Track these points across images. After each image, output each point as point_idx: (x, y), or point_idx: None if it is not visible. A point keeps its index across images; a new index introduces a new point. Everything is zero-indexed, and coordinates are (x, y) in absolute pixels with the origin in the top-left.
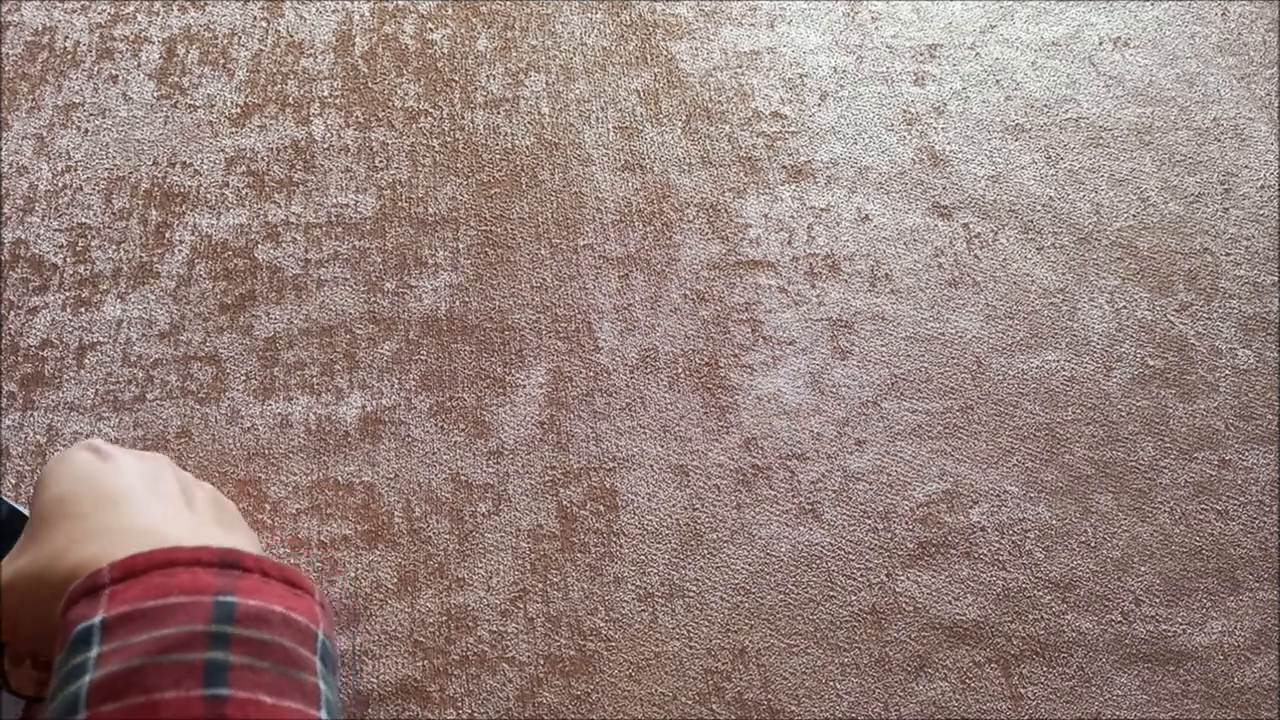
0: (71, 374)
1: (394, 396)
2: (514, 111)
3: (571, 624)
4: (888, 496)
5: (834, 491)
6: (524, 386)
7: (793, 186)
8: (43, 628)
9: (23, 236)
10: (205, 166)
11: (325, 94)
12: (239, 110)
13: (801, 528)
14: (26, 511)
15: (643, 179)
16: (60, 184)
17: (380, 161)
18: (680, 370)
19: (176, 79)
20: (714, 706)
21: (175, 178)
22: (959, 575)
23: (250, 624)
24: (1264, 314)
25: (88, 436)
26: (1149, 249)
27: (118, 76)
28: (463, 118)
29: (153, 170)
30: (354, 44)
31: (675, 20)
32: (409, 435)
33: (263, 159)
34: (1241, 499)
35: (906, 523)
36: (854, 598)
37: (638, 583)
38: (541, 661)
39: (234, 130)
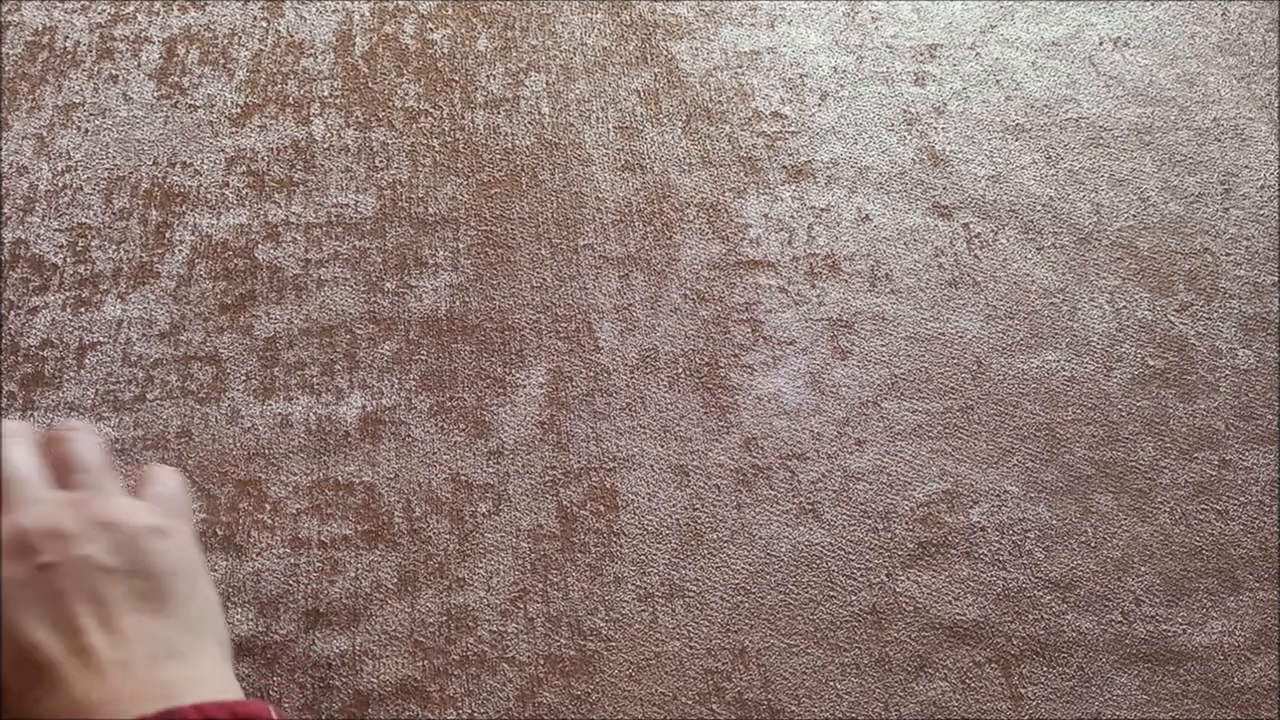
0: (71, 374)
1: (394, 396)
2: (514, 111)
3: (571, 624)
4: (888, 496)
5: (834, 491)
6: (524, 386)
7: (793, 186)
8: None
9: (23, 236)
10: (205, 166)
11: (325, 94)
12: (239, 110)
13: (802, 528)
14: None
15: (643, 179)
16: (60, 184)
17: (380, 161)
18: (680, 370)
19: (176, 79)
20: (714, 706)
21: (175, 178)
22: (959, 575)
23: None
24: (1264, 314)
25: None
26: (1149, 249)
27: (118, 76)
28: (463, 118)
29: (153, 170)
30: (354, 44)
31: (675, 20)
32: (409, 435)
33: (263, 159)
34: (1241, 499)
35: (907, 523)
36: (854, 598)
37: (638, 583)
38: (541, 661)
39: (234, 130)
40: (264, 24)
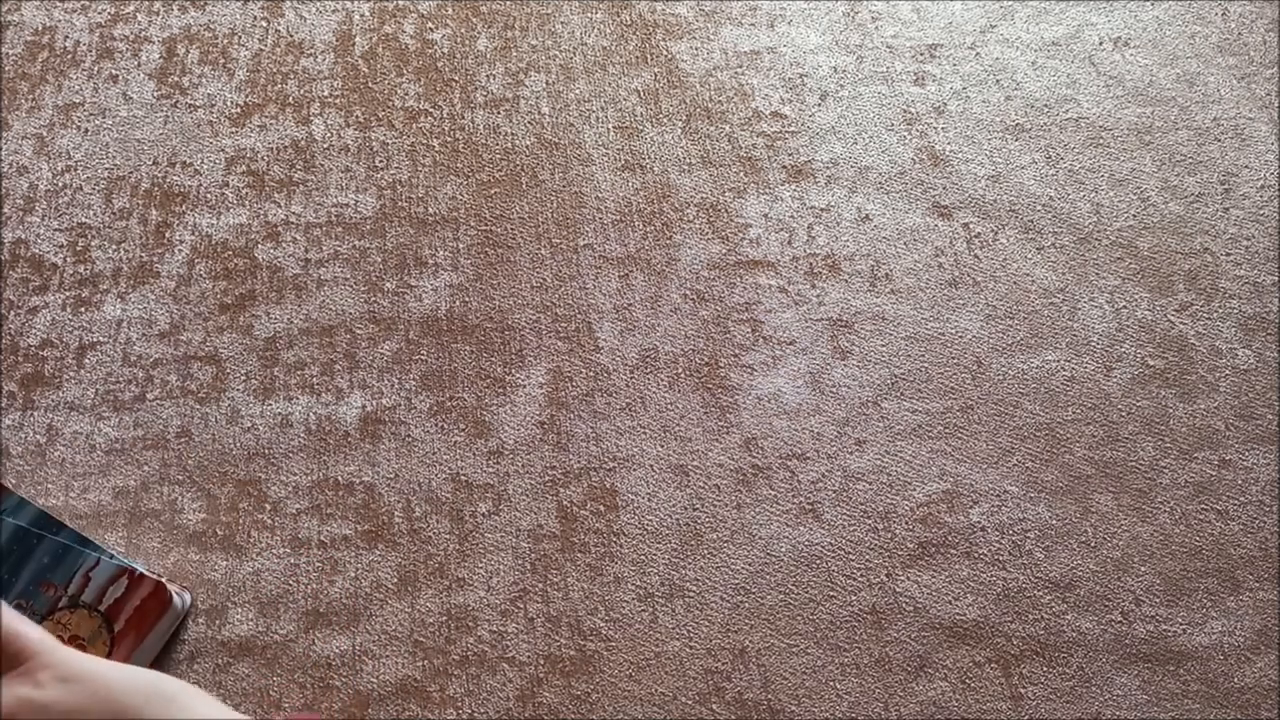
0: (71, 374)
1: (394, 396)
2: (514, 111)
3: (571, 624)
4: (888, 496)
5: (834, 491)
6: (524, 386)
7: (793, 186)
8: None
9: (23, 236)
10: (205, 166)
11: (325, 94)
12: (239, 110)
13: (802, 528)
14: (34, 530)
15: (643, 179)
16: (60, 184)
17: (380, 161)
18: (680, 370)
19: (176, 79)
20: (714, 706)
21: (175, 177)
22: (959, 575)
23: None
24: (1264, 314)
25: (88, 436)
26: (1149, 249)
27: (118, 76)
28: (463, 118)
29: (153, 170)
30: (354, 44)
31: (675, 20)
32: (409, 435)
33: (263, 159)
34: (1241, 499)
35: (906, 523)
36: (854, 598)
37: (638, 583)
38: (541, 661)
39: (234, 130)
40: (264, 24)
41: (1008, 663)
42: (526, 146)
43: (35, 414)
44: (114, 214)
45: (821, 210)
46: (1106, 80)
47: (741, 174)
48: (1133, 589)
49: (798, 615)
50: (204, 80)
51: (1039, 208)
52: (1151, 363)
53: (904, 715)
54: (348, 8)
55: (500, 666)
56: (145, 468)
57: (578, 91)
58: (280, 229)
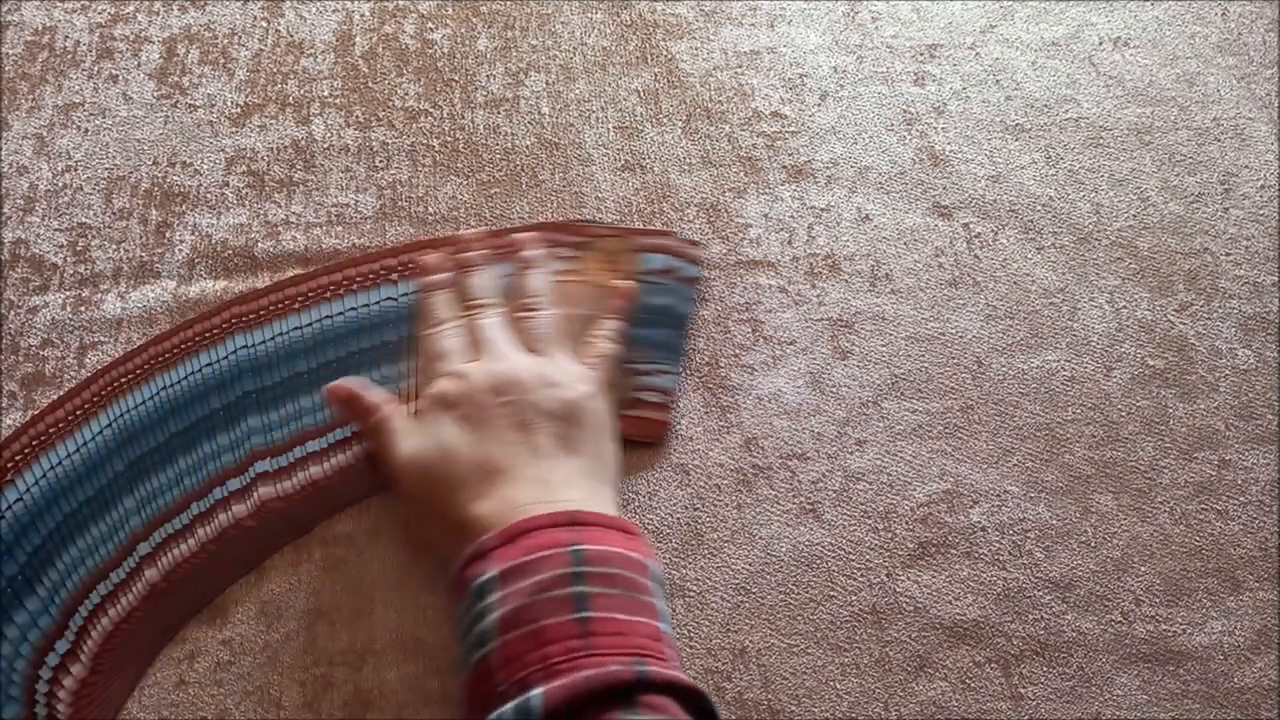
0: (72, 374)
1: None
2: (514, 111)
3: None
4: (888, 496)
5: (834, 491)
6: None
7: (793, 186)
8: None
9: (23, 236)
10: (205, 166)
11: (325, 94)
12: (239, 110)
13: (802, 528)
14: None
15: (643, 179)
16: (60, 184)
17: (380, 161)
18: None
19: (176, 79)
20: None
21: (175, 177)
22: (959, 575)
23: (599, 563)
24: (1264, 314)
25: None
26: (1149, 249)
27: (118, 76)
28: (463, 118)
29: (153, 170)
30: (354, 44)
31: (675, 20)
32: None
33: (263, 159)
34: (1241, 499)
35: (907, 523)
36: (854, 598)
37: None
38: None
39: (234, 130)
40: (264, 24)
41: (1008, 663)
42: (526, 146)
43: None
44: (114, 214)
45: (821, 210)
46: (1106, 80)
47: (741, 174)
48: (1133, 589)
49: (798, 615)
50: (204, 80)
51: (1039, 208)
52: (1151, 363)
53: (904, 715)
54: (348, 8)
55: None
56: None
57: (578, 91)
58: (280, 229)
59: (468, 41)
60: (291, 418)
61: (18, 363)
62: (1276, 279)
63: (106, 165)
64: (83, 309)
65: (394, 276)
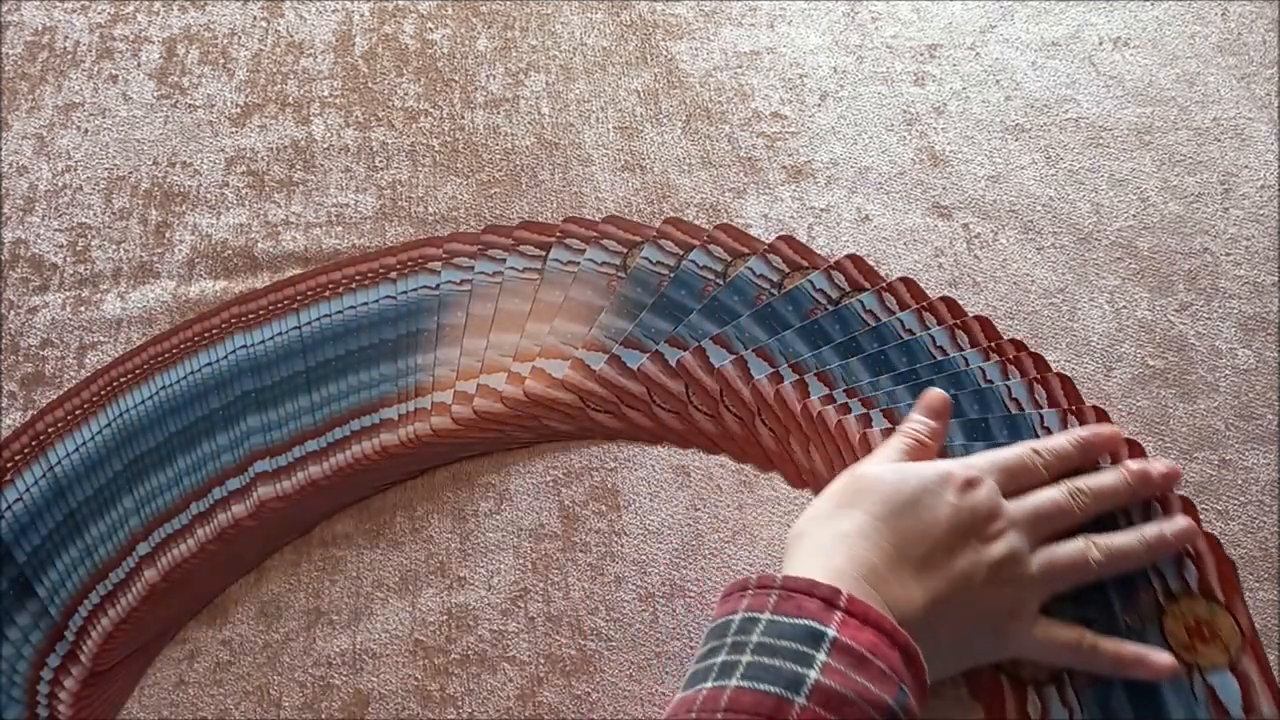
0: (72, 374)
1: None
2: (514, 111)
3: (572, 623)
4: None
5: None
6: None
7: (793, 186)
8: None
9: (23, 236)
10: (205, 166)
11: (325, 94)
12: (239, 110)
13: None
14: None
15: (643, 179)
16: (60, 184)
17: (380, 161)
18: None
19: (176, 79)
20: None
21: (175, 177)
22: None
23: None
24: (1264, 314)
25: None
26: (1149, 249)
27: (118, 76)
28: (463, 118)
29: (153, 170)
30: (354, 44)
31: (675, 20)
32: None
33: (263, 159)
34: (1241, 499)
35: None
36: None
37: (639, 582)
38: (542, 661)
39: (234, 130)
40: (264, 24)
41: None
42: (526, 146)
43: (32, 411)
44: (114, 214)
45: (822, 210)
46: (1106, 80)
47: (741, 174)
48: None
49: None
50: (204, 80)
51: (1039, 208)
52: (1151, 363)
53: None
54: (348, 8)
55: (501, 666)
56: None
57: (577, 91)
58: (280, 229)
59: (468, 41)
60: (290, 417)
61: (18, 363)
62: (1276, 279)
63: (106, 165)
64: (83, 309)
65: (393, 275)
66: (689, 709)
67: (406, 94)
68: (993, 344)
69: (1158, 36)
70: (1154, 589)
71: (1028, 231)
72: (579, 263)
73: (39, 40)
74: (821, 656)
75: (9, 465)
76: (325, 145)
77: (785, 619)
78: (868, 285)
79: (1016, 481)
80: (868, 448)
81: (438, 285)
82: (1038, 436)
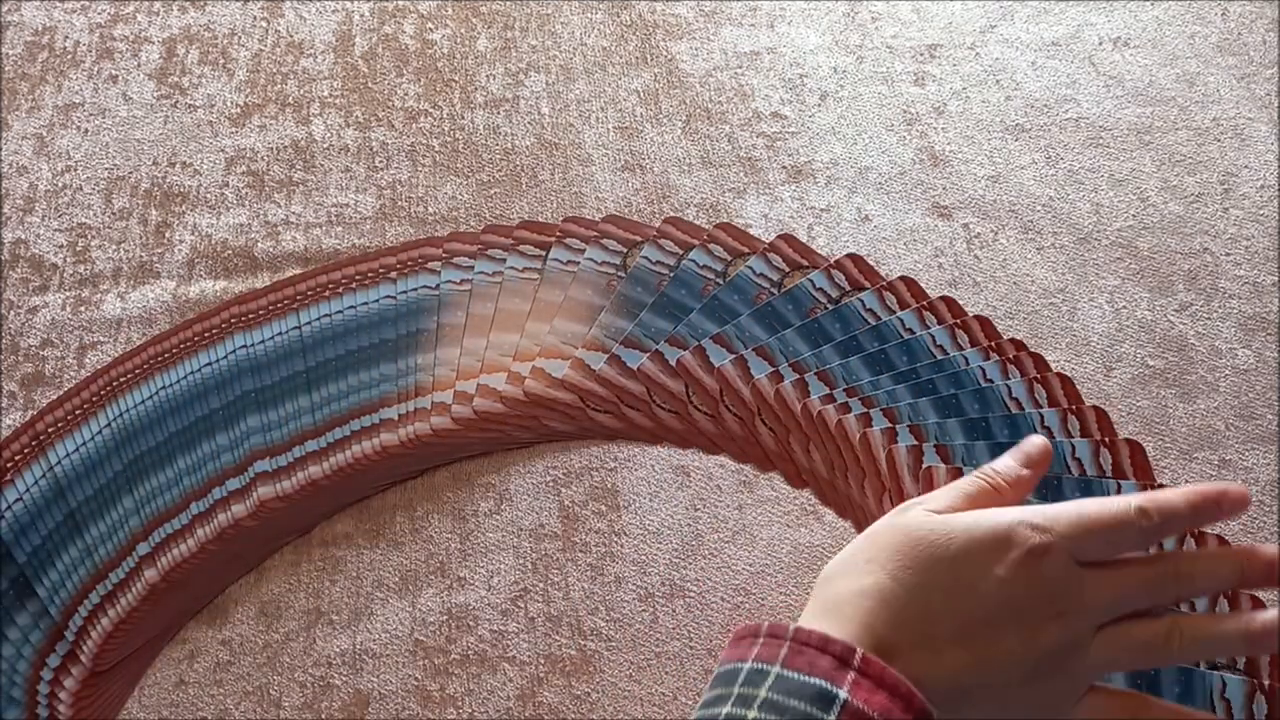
0: (72, 374)
1: None
2: (514, 111)
3: (572, 624)
4: None
5: None
6: None
7: (793, 186)
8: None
9: (23, 236)
10: (205, 166)
11: (325, 94)
12: (239, 110)
13: (803, 529)
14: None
15: (643, 179)
16: (60, 184)
17: (380, 161)
18: None
19: (176, 79)
20: None
21: (175, 177)
22: None
23: None
24: (1264, 314)
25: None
26: (1149, 249)
27: (118, 76)
28: (463, 118)
29: (153, 170)
30: (354, 44)
31: (675, 20)
32: None
33: (263, 159)
34: None
35: None
36: None
37: (639, 583)
38: (542, 661)
39: (234, 130)
40: (264, 24)
41: None
42: (526, 146)
43: (31, 411)
44: (114, 214)
45: (822, 210)
46: (1106, 80)
47: (741, 174)
48: None
49: (799, 616)
50: (204, 80)
51: (1039, 208)
52: (1151, 363)
53: None
54: (348, 8)
55: (501, 666)
56: None
57: (578, 92)
58: (280, 228)
59: (468, 41)
60: (290, 417)
61: (18, 363)
62: (1276, 279)
63: (106, 165)
64: (83, 309)
65: (393, 275)
66: None
67: (406, 94)
68: (993, 343)
69: (1158, 36)
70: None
71: (1028, 231)
72: (579, 262)
73: (39, 40)
74: None
75: (9, 465)
76: (325, 145)
77: (795, 675)
78: (868, 284)
79: (1104, 548)
80: (868, 448)
81: (438, 285)
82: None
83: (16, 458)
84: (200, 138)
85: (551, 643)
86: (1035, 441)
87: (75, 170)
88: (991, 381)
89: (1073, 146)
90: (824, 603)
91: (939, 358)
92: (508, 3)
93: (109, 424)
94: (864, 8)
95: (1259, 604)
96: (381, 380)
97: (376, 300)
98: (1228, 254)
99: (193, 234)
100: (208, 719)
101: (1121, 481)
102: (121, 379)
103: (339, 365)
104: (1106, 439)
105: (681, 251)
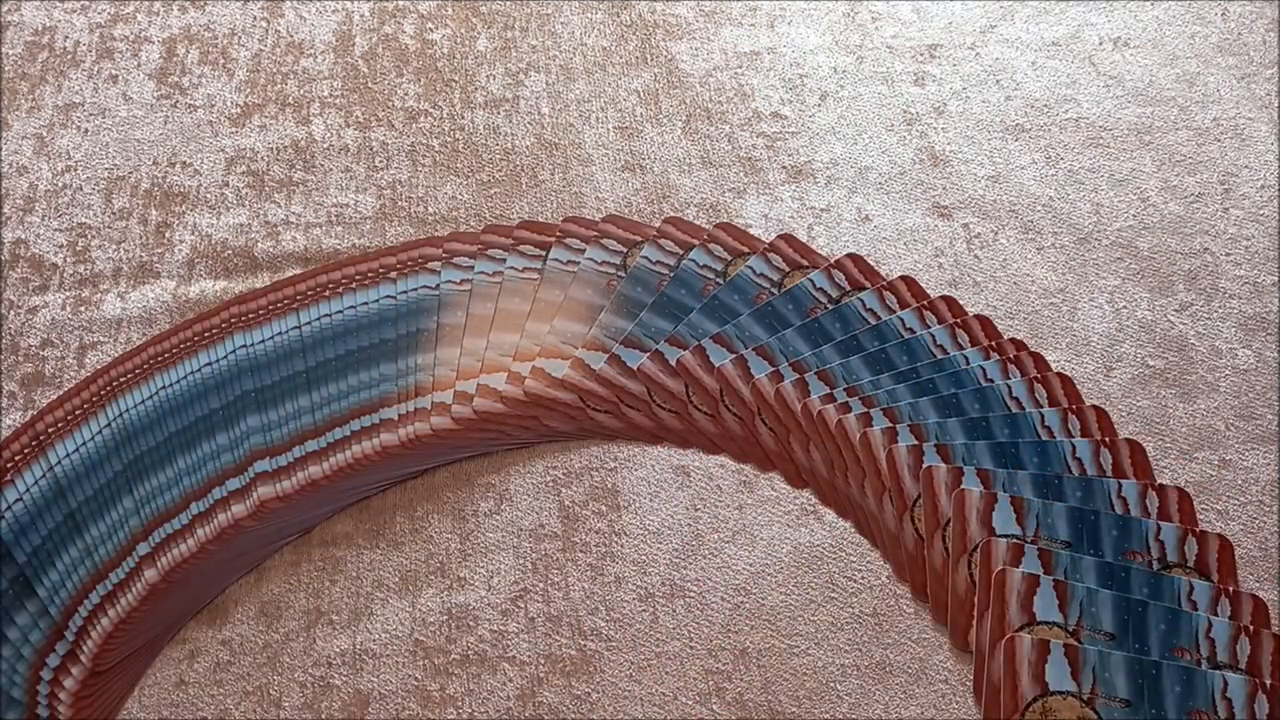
0: (72, 374)
1: None
2: (514, 111)
3: (572, 624)
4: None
5: None
6: None
7: (793, 186)
8: None
9: (23, 236)
10: (205, 166)
11: (325, 94)
12: (239, 110)
13: (803, 529)
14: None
15: (643, 179)
16: (60, 184)
17: (380, 161)
18: None
19: (176, 79)
20: (714, 707)
21: (175, 177)
22: None
23: None
24: (1264, 314)
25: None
26: (1149, 249)
27: (118, 76)
28: (463, 118)
29: (153, 170)
30: (354, 44)
31: (675, 20)
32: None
33: (263, 159)
34: (1241, 499)
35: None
36: (855, 600)
37: (639, 583)
38: (542, 661)
39: (234, 130)
40: (264, 24)
41: None
42: (526, 146)
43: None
44: (114, 214)
45: (822, 211)
46: (1106, 80)
47: (741, 174)
48: None
49: (799, 617)
50: (204, 80)
51: (1039, 208)
52: (1151, 363)
53: (904, 718)
54: (348, 8)
55: (501, 666)
56: None
57: (578, 92)
58: (280, 228)
59: (468, 41)
60: (290, 417)
61: (18, 363)
62: (1276, 279)
63: (106, 165)
64: (83, 309)
65: (393, 275)
66: None
67: (406, 94)
68: (993, 343)
69: (1158, 36)
70: None
71: (1028, 231)
72: (579, 262)
73: (39, 40)
74: None
75: (9, 465)
76: (325, 145)
77: None
78: (868, 284)
79: None
80: (868, 447)
81: (438, 285)
82: (1038, 435)
83: (16, 458)
84: (200, 138)
85: (551, 643)
86: None
87: (75, 170)
88: (992, 381)
89: (1073, 146)
90: None
91: (939, 357)
92: (508, 3)
93: (109, 424)
94: (864, 8)
95: (1265, 616)
96: (381, 380)
97: (376, 300)
98: (1228, 254)
99: (193, 234)
100: (208, 719)
101: (1122, 481)
102: (121, 379)
103: (339, 365)
104: (1106, 439)
105: (681, 251)
